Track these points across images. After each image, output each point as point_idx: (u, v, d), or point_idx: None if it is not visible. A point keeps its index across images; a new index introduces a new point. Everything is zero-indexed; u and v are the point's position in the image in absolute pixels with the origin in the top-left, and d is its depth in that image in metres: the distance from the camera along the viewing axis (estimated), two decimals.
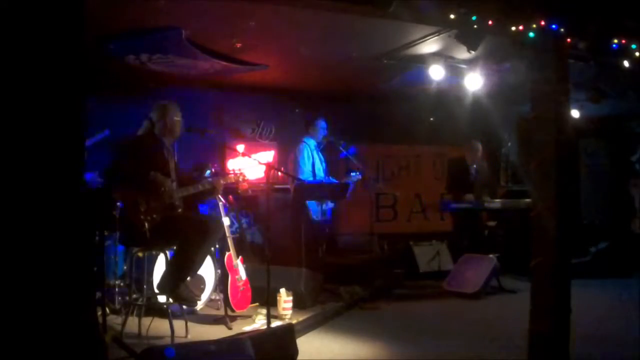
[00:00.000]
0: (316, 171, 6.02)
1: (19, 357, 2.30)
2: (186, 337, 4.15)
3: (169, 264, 4.15)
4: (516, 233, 6.67)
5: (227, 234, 4.92)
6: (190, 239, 4.08)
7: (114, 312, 4.68)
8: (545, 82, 3.60)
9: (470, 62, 5.72)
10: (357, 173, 6.22)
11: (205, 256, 4.40)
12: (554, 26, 3.66)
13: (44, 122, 2.39)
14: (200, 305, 4.87)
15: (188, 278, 4.15)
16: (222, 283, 4.97)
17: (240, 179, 4.68)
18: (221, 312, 4.82)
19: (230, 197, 5.88)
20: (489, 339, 4.38)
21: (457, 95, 6.50)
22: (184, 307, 4.41)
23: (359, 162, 6.28)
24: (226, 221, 4.97)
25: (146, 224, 3.93)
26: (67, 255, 2.42)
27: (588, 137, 8.72)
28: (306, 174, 5.86)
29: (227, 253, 4.90)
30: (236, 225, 6.33)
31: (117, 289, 4.81)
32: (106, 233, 4.67)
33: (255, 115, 7.28)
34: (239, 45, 5.26)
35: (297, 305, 4.94)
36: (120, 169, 4.08)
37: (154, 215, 4.02)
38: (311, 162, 5.98)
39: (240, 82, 6.67)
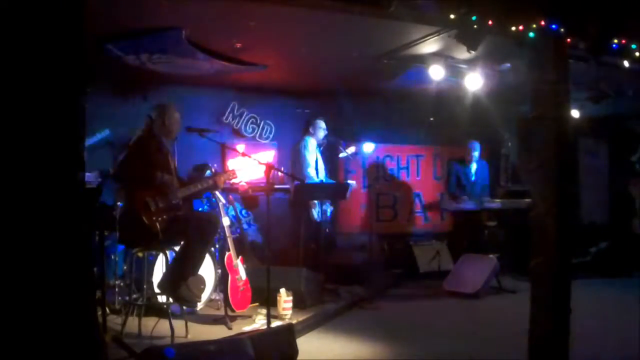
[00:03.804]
0: (318, 169, 6.03)
1: (19, 357, 2.30)
2: (186, 337, 4.15)
3: (170, 264, 4.15)
4: (516, 233, 6.68)
5: (227, 234, 4.92)
6: (192, 238, 4.09)
7: (114, 312, 4.68)
8: (545, 82, 3.59)
9: (470, 62, 5.73)
10: (353, 183, 6.22)
11: (205, 255, 4.41)
12: (554, 26, 3.66)
13: (43, 122, 2.38)
14: (200, 305, 4.87)
15: (189, 278, 4.15)
16: (222, 283, 4.97)
17: (231, 177, 4.69)
18: (221, 312, 4.82)
19: (230, 196, 5.89)
20: (489, 339, 4.39)
21: (457, 95, 6.50)
22: (184, 307, 4.41)
23: (359, 162, 6.28)
24: (226, 221, 4.98)
25: (158, 225, 3.94)
26: (66, 255, 2.42)
27: (588, 137, 8.71)
28: (311, 167, 5.87)
29: (227, 253, 4.90)
30: (236, 224, 6.34)
31: (117, 289, 4.81)
32: (106, 233, 4.67)
33: (255, 115, 7.28)
34: (239, 45, 5.27)
35: (297, 305, 4.94)
36: (129, 171, 4.08)
37: (164, 216, 4.02)
38: (314, 159, 6.00)
39: (241, 82, 6.68)
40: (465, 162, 7.12)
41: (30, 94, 2.36)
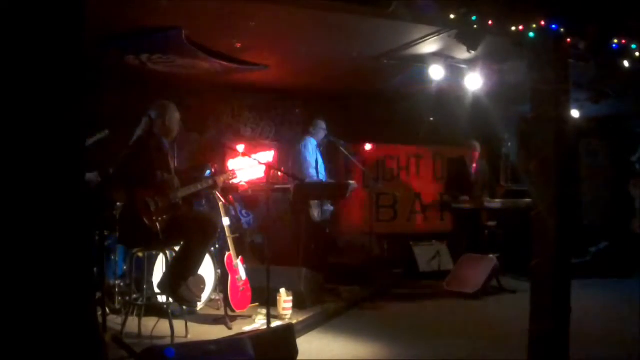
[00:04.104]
0: (319, 169, 6.03)
1: (18, 357, 2.30)
2: (186, 337, 4.15)
3: (170, 264, 4.15)
4: (516, 233, 6.67)
5: (227, 234, 4.92)
6: (192, 238, 4.08)
7: (114, 312, 4.68)
8: (545, 82, 3.60)
9: (470, 62, 5.73)
10: (354, 183, 6.21)
11: (205, 255, 4.41)
12: (554, 26, 3.66)
13: (44, 122, 2.38)
14: (200, 305, 4.87)
15: (190, 278, 4.15)
16: (222, 283, 4.97)
17: (231, 177, 4.70)
18: (221, 312, 4.82)
19: (230, 196, 5.89)
20: (489, 339, 4.39)
21: (457, 95, 6.50)
22: (184, 307, 4.41)
23: (359, 162, 6.28)
24: (226, 221, 4.98)
25: (158, 225, 3.93)
26: (66, 255, 2.42)
27: (588, 137, 8.72)
28: (312, 167, 5.88)
29: (227, 253, 4.90)
30: (236, 224, 6.34)
31: (117, 289, 4.81)
32: (106, 233, 4.67)
33: (255, 115, 7.29)
34: (239, 45, 5.27)
35: (297, 305, 4.94)
36: (129, 171, 4.08)
37: (164, 216, 4.02)
38: (314, 158, 6.00)
39: (241, 82, 6.67)
40: (465, 161, 7.12)
41: (31, 95, 2.36)
